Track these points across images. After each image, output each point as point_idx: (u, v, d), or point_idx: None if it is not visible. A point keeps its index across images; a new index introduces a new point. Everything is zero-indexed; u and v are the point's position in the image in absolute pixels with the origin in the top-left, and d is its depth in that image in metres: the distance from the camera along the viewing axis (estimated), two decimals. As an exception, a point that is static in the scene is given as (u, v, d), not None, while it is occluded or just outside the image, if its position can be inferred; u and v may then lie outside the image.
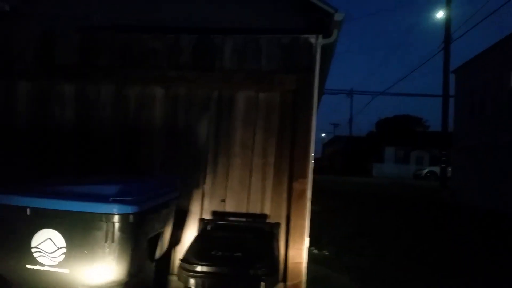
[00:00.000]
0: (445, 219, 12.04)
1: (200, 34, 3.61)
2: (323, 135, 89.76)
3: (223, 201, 3.53)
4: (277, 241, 3.21)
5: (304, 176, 3.41)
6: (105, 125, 3.65)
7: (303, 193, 3.41)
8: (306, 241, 3.39)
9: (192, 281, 2.57)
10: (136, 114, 3.66)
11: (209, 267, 2.58)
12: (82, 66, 3.68)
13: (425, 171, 36.28)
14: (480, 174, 16.04)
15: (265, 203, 3.55)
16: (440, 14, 22.00)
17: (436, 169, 27.14)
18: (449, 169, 19.70)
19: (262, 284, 2.52)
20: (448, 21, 21.02)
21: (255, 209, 3.54)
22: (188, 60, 3.61)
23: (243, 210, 3.54)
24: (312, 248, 6.57)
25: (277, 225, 3.31)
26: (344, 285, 4.90)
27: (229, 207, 3.55)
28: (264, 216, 3.53)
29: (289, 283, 3.37)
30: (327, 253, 6.43)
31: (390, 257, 6.73)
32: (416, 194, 21.36)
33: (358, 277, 5.23)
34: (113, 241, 2.29)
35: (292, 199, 3.45)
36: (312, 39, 3.66)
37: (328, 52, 6.46)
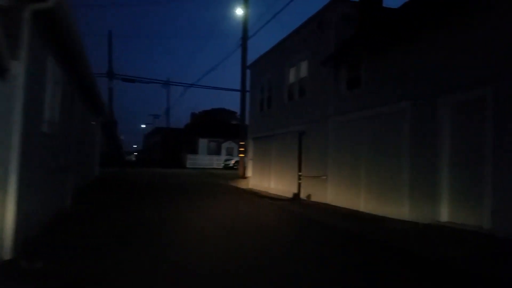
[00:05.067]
0: (229, 199, 12.44)
1: None
2: (143, 126, 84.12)
3: None
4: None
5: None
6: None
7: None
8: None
9: None
10: None
11: None
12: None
13: (233, 161, 38.54)
14: (259, 161, 17.56)
15: None
16: (240, 12, 22.76)
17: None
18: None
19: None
20: (245, 20, 22.15)
21: None
22: None
23: None
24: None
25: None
26: None
27: None
28: None
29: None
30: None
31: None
32: (218, 181, 22.14)
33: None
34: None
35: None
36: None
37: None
